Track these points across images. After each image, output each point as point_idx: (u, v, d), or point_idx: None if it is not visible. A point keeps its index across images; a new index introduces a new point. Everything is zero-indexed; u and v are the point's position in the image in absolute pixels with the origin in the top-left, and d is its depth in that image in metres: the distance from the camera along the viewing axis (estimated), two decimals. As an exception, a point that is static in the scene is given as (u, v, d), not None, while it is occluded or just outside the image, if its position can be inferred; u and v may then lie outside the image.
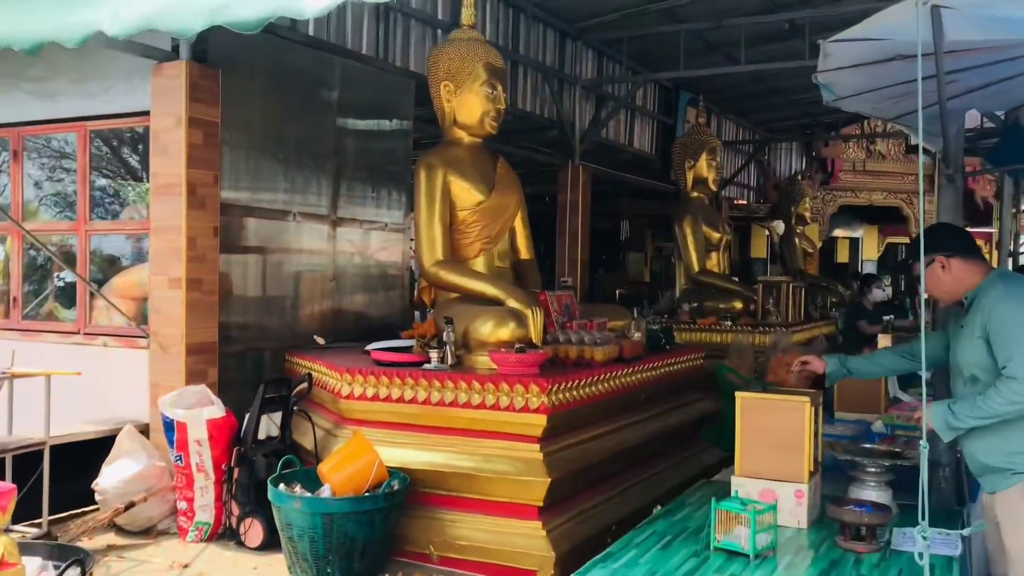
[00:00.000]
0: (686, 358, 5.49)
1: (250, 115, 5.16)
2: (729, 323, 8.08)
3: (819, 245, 15.12)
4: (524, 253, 5.48)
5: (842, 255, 18.91)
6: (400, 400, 4.17)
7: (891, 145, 15.69)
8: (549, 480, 3.75)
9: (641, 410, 4.82)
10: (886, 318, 7.59)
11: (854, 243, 19.09)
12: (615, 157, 10.29)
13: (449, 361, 4.31)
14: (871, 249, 18.91)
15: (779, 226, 14.04)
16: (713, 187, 9.16)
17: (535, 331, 4.39)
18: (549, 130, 8.59)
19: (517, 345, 4.17)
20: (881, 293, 8.23)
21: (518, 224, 5.39)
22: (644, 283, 15.77)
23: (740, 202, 14.30)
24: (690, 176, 9.09)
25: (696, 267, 8.77)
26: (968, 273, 2.75)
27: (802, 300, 8.81)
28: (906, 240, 17.64)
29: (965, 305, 2.74)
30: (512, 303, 4.48)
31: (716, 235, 9.06)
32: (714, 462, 5.55)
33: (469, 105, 5.04)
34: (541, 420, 3.84)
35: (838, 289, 11.99)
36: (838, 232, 17.94)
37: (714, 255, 9.10)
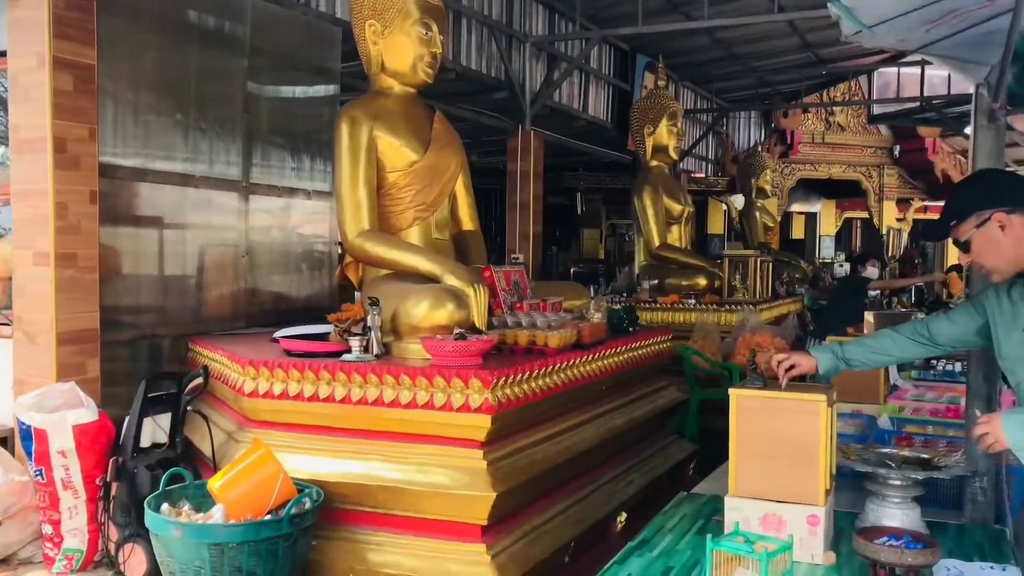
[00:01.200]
0: (653, 341, 4.84)
1: (139, 61, 4.34)
2: (693, 301, 7.49)
3: (779, 219, 14.68)
4: (467, 223, 4.77)
5: (797, 231, 18.54)
6: (314, 398, 3.44)
7: (851, 116, 15.29)
8: (495, 494, 3.06)
9: (603, 403, 4.15)
10: (873, 293, 7.10)
11: (810, 218, 18.73)
12: (568, 125, 9.60)
13: (374, 351, 3.58)
14: (828, 224, 18.59)
15: (738, 200, 13.54)
16: (674, 155, 8.53)
17: (478, 313, 3.69)
18: (497, 91, 7.85)
19: (456, 331, 3.46)
20: (875, 271, 7.71)
21: (459, 189, 4.67)
22: (600, 260, 15.19)
23: (697, 175, 13.74)
24: (649, 143, 8.44)
25: (657, 241, 8.15)
26: None
27: (769, 276, 8.25)
28: (864, 215, 17.32)
29: None
30: (451, 280, 3.77)
31: (678, 207, 8.45)
32: (684, 456, 4.95)
33: (399, 48, 4.29)
34: (484, 421, 3.15)
35: (800, 264, 11.52)
36: (795, 207, 17.55)
37: (675, 228, 8.50)
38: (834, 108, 14.87)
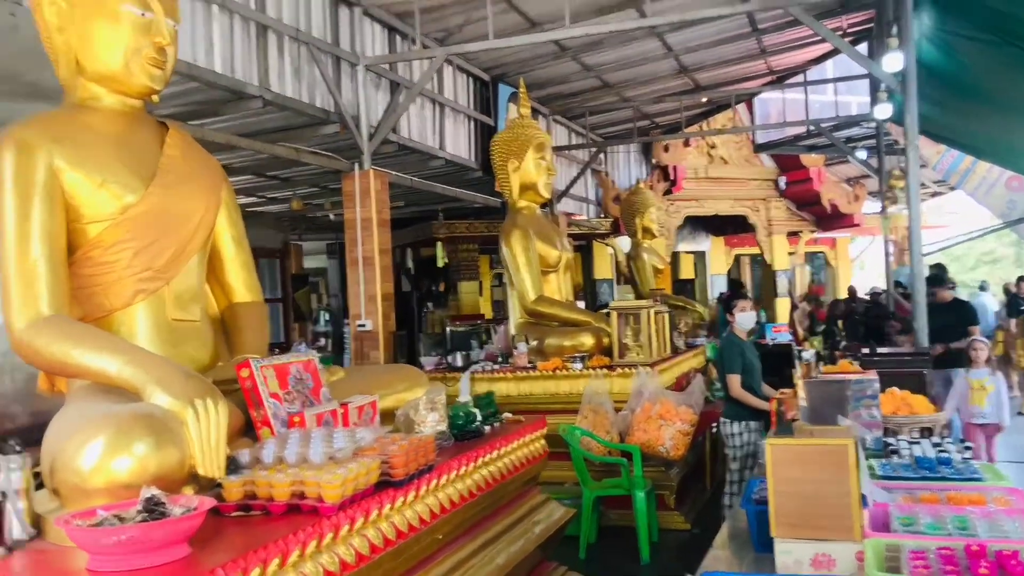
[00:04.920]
0: (518, 444, 3.41)
1: None
2: (579, 366, 6.14)
3: (668, 260, 13.74)
4: (240, 292, 3.27)
5: (686, 271, 17.72)
6: None
7: (732, 149, 14.60)
8: None
9: (439, 560, 2.69)
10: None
11: (699, 257, 17.98)
12: (424, 165, 8.24)
13: (11, 536, 2.02)
14: (719, 263, 17.87)
15: (624, 242, 12.52)
16: (545, 193, 7.26)
17: (203, 452, 2.18)
18: (326, 125, 6.41)
19: (145, 493, 1.94)
20: (751, 315, 5.62)
21: (221, 243, 3.18)
22: (480, 317, 13.82)
23: (578, 217, 12.61)
24: (515, 181, 7.16)
25: (532, 294, 6.81)
26: None
27: (666, 328, 7.02)
28: (754, 251, 16.64)
29: None
30: (157, 395, 2.25)
31: (554, 253, 7.16)
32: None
33: (101, 37, 2.80)
34: None
35: (697, 309, 10.46)
36: (682, 246, 16.73)
37: (553, 278, 7.19)
38: (716, 142, 14.14)
